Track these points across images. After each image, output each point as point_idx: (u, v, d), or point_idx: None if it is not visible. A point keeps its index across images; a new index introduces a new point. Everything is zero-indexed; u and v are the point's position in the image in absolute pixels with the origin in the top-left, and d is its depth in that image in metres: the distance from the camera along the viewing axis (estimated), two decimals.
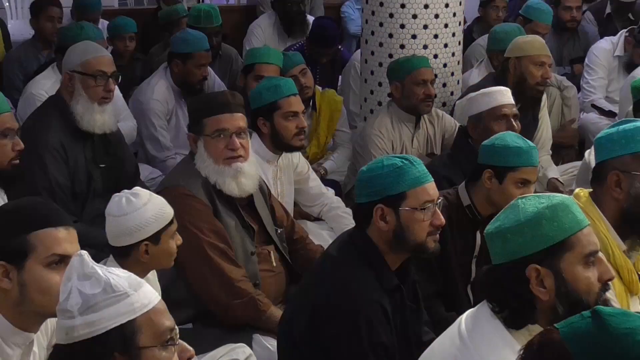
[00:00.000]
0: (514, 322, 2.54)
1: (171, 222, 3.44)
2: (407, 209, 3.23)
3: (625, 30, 7.11)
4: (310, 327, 3.28)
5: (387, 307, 3.23)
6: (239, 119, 4.15)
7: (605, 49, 7.10)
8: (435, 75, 5.74)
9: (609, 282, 2.66)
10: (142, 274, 3.38)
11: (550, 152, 6.00)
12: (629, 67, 6.86)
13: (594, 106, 6.97)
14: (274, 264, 4.30)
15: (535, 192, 5.26)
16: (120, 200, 3.37)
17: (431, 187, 3.30)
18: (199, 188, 4.04)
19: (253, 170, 4.19)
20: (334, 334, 3.22)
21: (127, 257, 3.37)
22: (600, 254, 2.66)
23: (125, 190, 3.42)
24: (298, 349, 3.35)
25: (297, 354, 3.37)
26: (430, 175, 3.33)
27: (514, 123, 4.67)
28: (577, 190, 3.41)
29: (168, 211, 3.44)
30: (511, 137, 4.03)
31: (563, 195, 2.79)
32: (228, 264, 3.99)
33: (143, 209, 3.36)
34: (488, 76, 5.90)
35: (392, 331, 3.25)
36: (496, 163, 3.96)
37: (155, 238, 3.39)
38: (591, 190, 3.36)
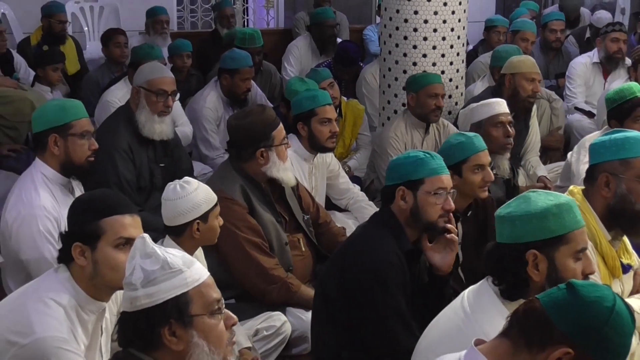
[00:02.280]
0: (509, 294, 2.58)
1: (216, 204, 3.48)
2: (423, 192, 3.27)
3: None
4: (340, 282, 3.30)
5: (405, 270, 3.26)
6: None
7: (582, 62, 7.15)
8: None
9: (589, 276, 2.69)
10: (192, 249, 3.44)
11: (539, 153, 5.99)
12: (609, 60, 6.91)
13: (576, 109, 6.97)
14: (303, 249, 4.32)
15: (526, 186, 5.28)
16: (175, 187, 3.41)
17: (446, 178, 3.33)
18: (236, 191, 4.05)
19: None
20: (359, 287, 3.24)
21: (182, 234, 3.40)
22: (588, 251, 2.71)
23: (177, 180, 3.45)
24: (331, 304, 3.35)
25: (330, 309, 3.36)
26: (447, 169, 3.37)
27: (509, 128, 4.66)
28: (571, 187, 3.43)
29: (213, 195, 3.48)
30: (453, 137, 4.05)
31: (568, 197, 2.84)
32: (262, 255, 4.00)
33: (194, 193, 3.40)
34: (487, 89, 5.89)
35: (407, 291, 3.27)
36: (450, 162, 3.91)
37: (205, 217, 3.43)
38: (584, 187, 3.38)
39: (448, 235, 3.33)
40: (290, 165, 4.28)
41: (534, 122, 5.87)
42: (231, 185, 4.06)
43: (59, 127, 3.76)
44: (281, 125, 4.22)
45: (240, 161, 4.16)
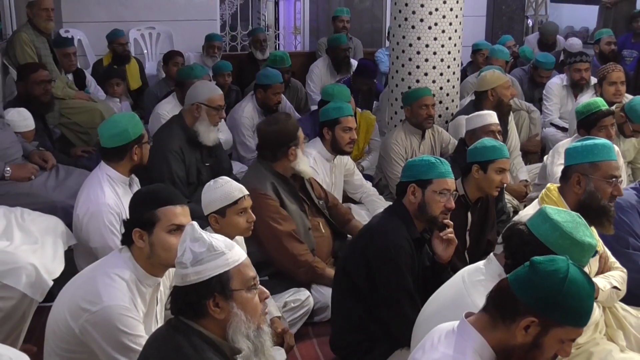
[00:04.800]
0: (511, 271, 2.47)
1: (235, 203, 3.32)
2: (430, 191, 3.26)
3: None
4: (359, 262, 3.29)
5: (413, 254, 3.25)
6: None
7: (557, 83, 7.04)
8: (440, 102, 5.70)
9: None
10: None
11: (520, 153, 5.94)
12: (574, 86, 6.82)
13: (552, 124, 6.90)
14: (323, 230, 4.32)
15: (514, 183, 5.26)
16: (208, 184, 3.38)
17: (451, 181, 3.31)
18: (268, 188, 4.04)
19: None
20: (374, 266, 3.23)
21: (208, 224, 3.33)
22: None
23: (217, 178, 3.41)
24: (351, 280, 3.33)
25: (350, 284, 3.35)
26: (452, 174, 3.34)
27: (498, 137, 4.64)
28: (548, 185, 3.44)
29: (235, 195, 3.32)
30: (488, 140, 4.02)
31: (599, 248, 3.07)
32: (294, 242, 4.00)
33: (214, 191, 3.32)
34: (469, 102, 5.84)
35: (414, 271, 3.26)
36: (480, 159, 3.92)
37: (221, 212, 3.32)
38: (558, 185, 3.38)
39: (445, 237, 3.30)
40: (306, 159, 4.32)
41: (512, 125, 5.86)
42: (264, 182, 4.05)
43: (137, 138, 3.78)
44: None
45: (273, 161, 4.14)
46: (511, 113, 5.88)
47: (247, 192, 3.39)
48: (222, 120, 6.08)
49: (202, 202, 3.36)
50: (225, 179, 3.39)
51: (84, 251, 3.77)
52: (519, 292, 1.99)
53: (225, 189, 3.33)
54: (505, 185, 4.06)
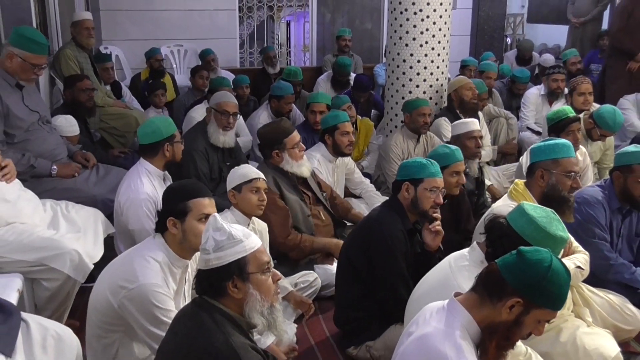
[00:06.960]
0: (491, 257, 2.46)
1: (250, 181, 3.48)
2: (422, 188, 3.26)
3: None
4: (360, 249, 3.29)
5: (406, 242, 3.25)
6: None
7: (534, 93, 7.01)
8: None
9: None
10: (244, 216, 3.52)
11: (490, 144, 5.94)
12: (551, 94, 6.77)
13: (528, 128, 6.89)
14: (323, 217, 4.33)
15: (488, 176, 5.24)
16: (232, 169, 3.59)
17: (440, 180, 3.30)
18: (269, 180, 4.03)
19: (307, 162, 4.33)
20: (373, 253, 3.23)
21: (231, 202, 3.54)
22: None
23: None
24: (353, 265, 3.34)
25: (352, 268, 3.35)
26: (441, 174, 3.34)
27: (480, 141, 4.64)
28: (516, 180, 3.44)
29: (251, 175, 3.51)
30: (440, 147, 3.99)
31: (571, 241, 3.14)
32: (283, 229, 4.00)
33: (236, 171, 3.53)
34: (443, 108, 5.86)
35: (407, 258, 3.25)
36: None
37: (238, 188, 3.49)
38: (525, 180, 3.39)
39: (433, 229, 3.30)
40: (305, 162, 4.26)
41: (482, 124, 5.85)
42: (266, 176, 4.02)
43: (169, 137, 3.84)
44: (294, 134, 4.21)
45: (267, 158, 4.21)
46: (480, 113, 5.90)
47: (262, 176, 3.55)
48: (244, 125, 6.16)
49: (227, 182, 3.52)
50: (247, 165, 3.60)
51: (123, 237, 3.79)
52: (508, 276, 1.99)
53: (245, 170, 3.52)
54: (461, 184, 3.98)
